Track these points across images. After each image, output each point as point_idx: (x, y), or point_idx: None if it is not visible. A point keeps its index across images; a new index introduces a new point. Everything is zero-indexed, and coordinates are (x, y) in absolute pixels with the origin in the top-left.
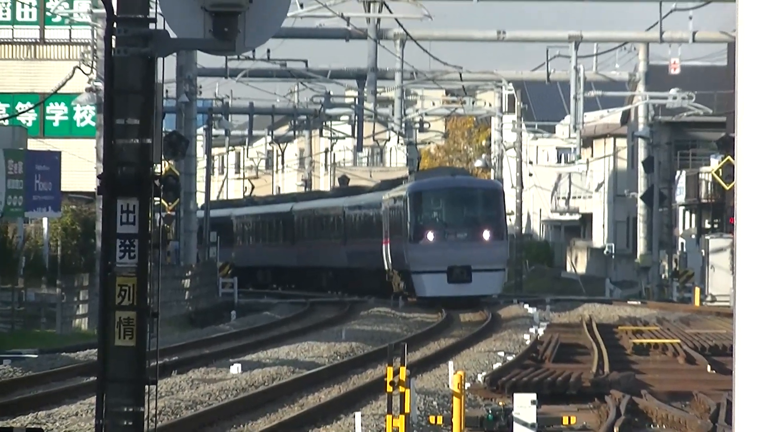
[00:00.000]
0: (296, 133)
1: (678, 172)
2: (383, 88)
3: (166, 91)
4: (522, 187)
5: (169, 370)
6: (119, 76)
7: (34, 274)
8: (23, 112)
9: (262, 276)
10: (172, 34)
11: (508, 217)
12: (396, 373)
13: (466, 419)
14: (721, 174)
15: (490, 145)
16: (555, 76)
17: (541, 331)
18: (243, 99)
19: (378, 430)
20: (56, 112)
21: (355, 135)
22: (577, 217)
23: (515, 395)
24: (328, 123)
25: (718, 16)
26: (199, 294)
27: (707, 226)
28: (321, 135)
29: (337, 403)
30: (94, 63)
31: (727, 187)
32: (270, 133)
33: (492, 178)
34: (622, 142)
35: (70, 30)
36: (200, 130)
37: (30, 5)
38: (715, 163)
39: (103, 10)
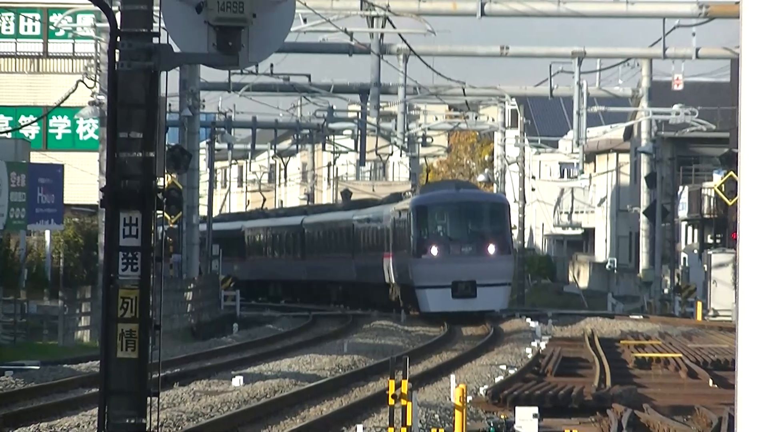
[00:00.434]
0: (299, 147)
1: (681, 188)
2: (386, 103)
3: (169, 104)
4: (525, 201)
5: (171, 383)
6: (123, 90)
7: (37, 286)
8: (26, 125)
9: (273, 289)
10: (176, 48)
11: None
12: (398, 386)
13: None
14: (723, 189)
15: (493, 159)
16: (558, 91)
17: (543, 345)
18: (246, 113)
19: None
20: (59, 125)
21: (358, 149)
22: (579, 231)
23: (517, 408)
24: (331, 137)
25: (722, 32)
26: (202, 307)
27: (710, 241)
28: (324, 149)
29: (339, 415)
30: (98, 77)
31: (729, 203)
32: (273, 147)
33: (495, 192)
34: (624, 158)
35: (73, 44)
36: (203, 144)
37: (33, 19)
38: (718, 178)
39: (107, 24)
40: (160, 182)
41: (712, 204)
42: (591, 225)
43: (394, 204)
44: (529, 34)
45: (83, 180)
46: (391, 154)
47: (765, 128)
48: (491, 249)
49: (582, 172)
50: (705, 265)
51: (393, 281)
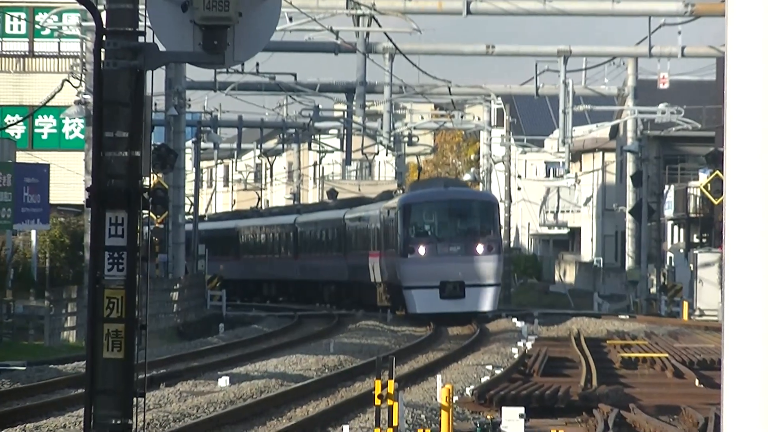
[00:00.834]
0: (285, 146)
1: (666, 187)
2: (372, 102)
3: (155, 103)
4: (510, 201)
5: (158, 383)
6: (108, 89)
7: (23, 286)
8: (12, 124)
9: (267, 289)
10: (162, 47)
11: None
12: (384, 386)
13: None
14: (709, 188)
15: (479, 158)
16: (544, 90)
17: (529, 345)
18: (232, 112)
19: None
20: (45, 124)
21: (344, 148)
22: (565, 231)
23: (503, 408)
24: (317, 136)
25: (707, 30)
26: (188, 306)
27: (696, 240)
28: (310, 148)
29: (326, 416)
30: (83, 76)
31: (715, 202)
32: (259, 146)
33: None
34: (610, 157)
35: (59, 43)
36: (189, 143)
37: (19, 18)
38: (704, 177)
39: (93, 23)
40: (146, 182)
41: (698, 203)
42: (577, 224)
43: (384, 202)
44: (515, 32)
45: (69, 180)
46: (377, 154)
47: (750, 127)
48: (480, 248)
49: (568, 171)
50: (691, 265)
51: (381, 281)
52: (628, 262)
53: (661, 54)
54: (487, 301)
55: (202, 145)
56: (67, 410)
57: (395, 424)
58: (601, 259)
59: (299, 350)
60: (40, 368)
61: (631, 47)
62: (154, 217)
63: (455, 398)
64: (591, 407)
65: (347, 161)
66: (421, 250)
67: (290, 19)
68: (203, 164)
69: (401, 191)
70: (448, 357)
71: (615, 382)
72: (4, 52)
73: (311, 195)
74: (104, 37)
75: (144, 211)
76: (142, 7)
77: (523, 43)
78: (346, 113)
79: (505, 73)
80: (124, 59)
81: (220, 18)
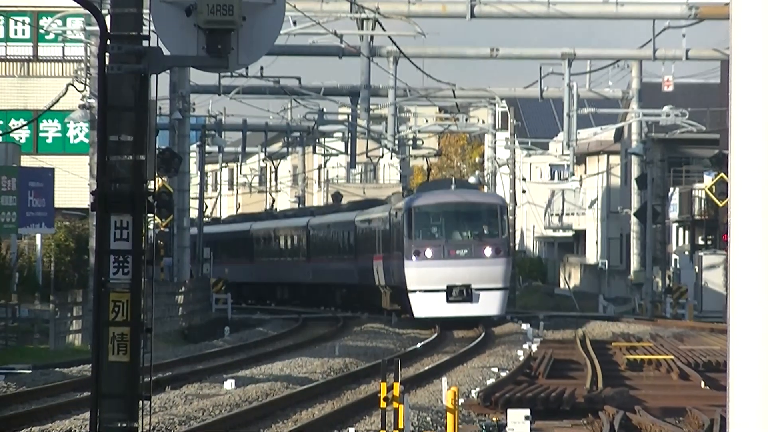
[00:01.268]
0: (289, 149)
1: (671, 189)
2: (376, 105)
3: (160, 107)
4: (515, 203)
5: (163, 386)
6: (113, 93)
7: (28, 290)
8: (16, 129)
9: (280, 292)
10: (166, 51)
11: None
12: (390, 388)
13: None
14: (714, 191)
15: (484, 161)
16: (548, 93)
17: (534, 347)
18: (236, 116)
19: None
20: (49, 129)
21: (349, 152)
22: (570, 233)
23: (509, 411)
24: (322, 140)
25: (712, 33)
26: (193, 310)
27: (700, 242)
28: (314, 152)
29: (331, 418)
30: (88, 80)
31: (720, 204)
32: (263, 149)
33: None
34: (615, 159)
35: (63, 47)
36: (193, 147)
37: (23, 23)
38: (709, 179)
39: (97, 28)
40: (151, 185)
41: (702, 205)
42: (582, 227)
43: (392, 204)
44: (519, 35)
45: (74, 183)
46: (382, 157)
47: (755, 129)
48: (488, 251)
49: (572, 174)
50: (696, 267)
51: (387, 284)
52: (633, 265)
53: (665, 57)
54: (494, 305)
55: (207, 148)
56: (73, 413)
57: (401, 426)
58: (606, 262)
59: (304, 353)
60: (45, 372)
61: (636, 50)
62: (159, 221)
63: (461, 401)
64: (596, 409)
65: (352, 164)
66: (428, 252)
67: (294, 23)
68: (208, 168)
69: (407, 193)
70: (454, 359)
71: (620, 384)
72: (8, 57)
73: (316, 198)
74: (108, 41)
75: (149, 215)
76: (146, 11)
77: (528, 46)
78: (350, 116)
79: (509, 76)
80: (128, 63)
81: (224, 22)
